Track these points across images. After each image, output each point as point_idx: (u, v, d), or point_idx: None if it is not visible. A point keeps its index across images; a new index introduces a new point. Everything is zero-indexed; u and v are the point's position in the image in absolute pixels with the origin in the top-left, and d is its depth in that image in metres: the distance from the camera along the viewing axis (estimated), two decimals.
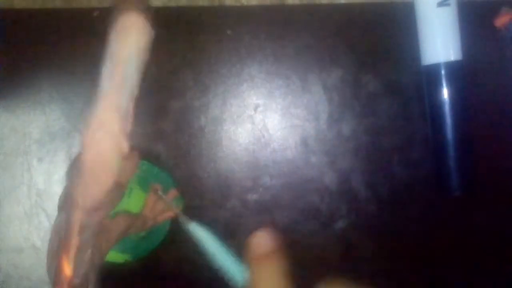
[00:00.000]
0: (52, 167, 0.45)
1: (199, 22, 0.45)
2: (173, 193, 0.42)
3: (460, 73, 0.43)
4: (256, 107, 0.45)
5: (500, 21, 0.45)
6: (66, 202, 0.30)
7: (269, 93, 0.45)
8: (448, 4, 0.43)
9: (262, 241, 0.25)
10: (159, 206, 0.41)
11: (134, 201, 0.41)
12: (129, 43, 0.24)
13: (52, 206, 0.45)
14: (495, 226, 0.46)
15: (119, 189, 0.30)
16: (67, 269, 0.28)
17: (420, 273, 0.46)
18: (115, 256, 0.42)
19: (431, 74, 0.44)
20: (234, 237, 0.44)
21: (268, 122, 0.46)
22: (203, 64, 0.45)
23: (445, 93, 0.43)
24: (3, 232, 0.44)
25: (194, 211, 0.45)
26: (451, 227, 0.46)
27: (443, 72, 0.43)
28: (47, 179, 0.45)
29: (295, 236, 0.45)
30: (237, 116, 0.45)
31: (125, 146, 0.26)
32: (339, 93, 0.45)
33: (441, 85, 0.43)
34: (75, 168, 0.29)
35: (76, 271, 0.29)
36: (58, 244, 0.29)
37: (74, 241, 0.28)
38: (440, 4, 0.42)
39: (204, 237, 0.37)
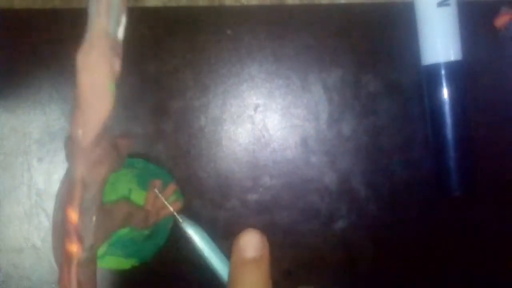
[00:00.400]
0: (52, 167, 0.45)
1: (199, 22, 0.45)
2: (171, 187, 0.42)
3: (460, 73, 0.43)
4: (256, 107, 0.46)
5: (500, 21, 0.45)
6: (68, 153, 0.29)
7: (269, 93, 0.45)
8: (448, 4, 0.43)
9: (250, 243, 0.24)
10: (160, 201, 0.41)
11: (135, 200, 0.41)
12: None
13: (52, 206, 0.45)
14: (495, 226, 0.46)
15: (119, 156, 0.30)
16: (73, 215, 0.28)
17: (420, 273, 0.46)
18: (121, 263, 0.42)
19: (431, 74, 0.44)
20: (234, 237, 0.44)
21: (268, 122, 0.46)
22: (203, 64, 0.45)
23: (445, 93, 0.43)
24: (3, 232, 0.44)
25: (194, 211, 0.45)
26: (451, 227, 0.46)
27: (443, 72, 0.43)
28: (47, 179, 0.45)
29: (295, 236, 0.45)
30: (237, 116, 0.45)
31: (117, 65, 0.26)
32: (339, 93, 0.46)
33: (441, 85, 0.43)
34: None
35: (83, 238, 0.28)
36: (62, 206, 0.29)
37: (77, 191, 0.28)
38: (440, 4, 0.42)
39: (199, 237, 0.37)
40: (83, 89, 0.26)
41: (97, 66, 0.26)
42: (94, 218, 0.29)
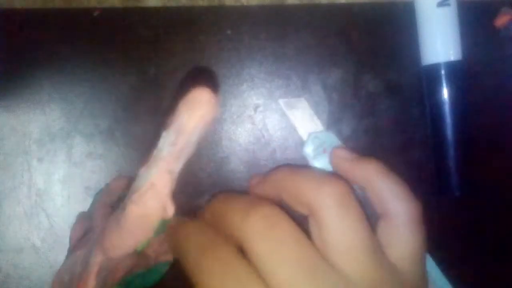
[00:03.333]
0: (52, 167, 0.45)
1: (199, 22, 0.45)
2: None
3: (460, 73, 0.43)
4: (256, 107, 0.46)
5: (500, 21, 0.45)
6: (89, 240, 0.30)
7: (269, 93, 0.45)
8: (448, 4, 0.43)
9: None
10: (163, 247, 0.41)
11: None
12: (196, 117, 0.26)
13: (52, 206, 0.45)
14: (495, 226, 0.46)
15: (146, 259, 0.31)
16: None
17: None
18: None
19: (431, 74, 0.44)
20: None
21: (268, 122, 0.46)
22: (203, 64, 0.45)
23: (445, 93, 0.43)
24: (3, 232, 0.44)
25: (194, 211, 0.45)
26: (451, 227, 0.46)
27: (443, 72, 0.43)
28: (47, 179, 0.45)
29: None
30: (237, 116, 0.45)
31: (170, 210, 0.27)
32: (339, 93, 0.46)
33: (441, 85, 0.43)
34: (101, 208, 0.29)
35: None
36: (72, 278, 0.29)
37: (91, 282, 0.28)
38: (440, 4, 0.42)
39: None
40: (129, 220, 0.27)
41: (151, 205, 0.26)
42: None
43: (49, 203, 0.45)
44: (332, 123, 0.46)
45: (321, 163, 0.41)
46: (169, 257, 0.40)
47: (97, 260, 0.29)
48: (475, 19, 0.45)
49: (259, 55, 0.45)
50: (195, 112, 0.25)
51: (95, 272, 0.29)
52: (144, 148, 0.45)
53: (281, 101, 0.42)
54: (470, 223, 0.46)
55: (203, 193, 0.45)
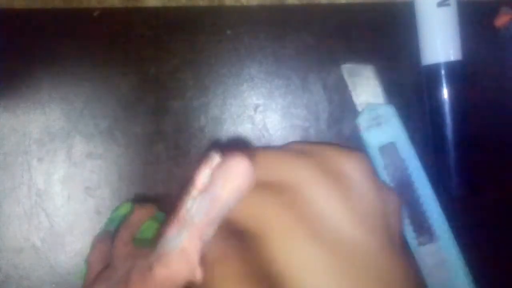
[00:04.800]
0: (52, 167, 0.45)
1: (199, 22, 0.45)
2: None
3: (460, 73, 0.43)
4: (256, 107, 0.46)
5: (500, 21, 0.45)
6: (109, 280, 0.30)
7: (269, 93, 0.45)
8: (448, 4, 0.43)
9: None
10: None
11: None
12: (233, 188, 0.25)
13: (52, 206, 0.45)
14: (495, 226, 0.46)
15: None
16: None
17: None
18: None
19: (431, 74, 0.44)
20: None
21: (268, 122, 0.46)
22: (203, 64, 0.45)
23: (445, 93, 0.43)
24: (3, 232, 0.44)
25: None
26: (451, 227, 0.46)
27: (443, 72, 0.43)
28: (47, 179, 0.45)
29: None
30: (237, 116, 0.45)
31: (198, 276, 0.26)
32: (339, 93, 0.45)
33: (441, 85, 0.43)
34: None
35: None
36: None
37: None
38: (440, 4, 0.43)
39: None
40: (157, 281, 0.27)
41: (180, 270, 0.26)
42: None
43: (49, 203, 0.45)
44: (332, 123, 0.46)
45: (373, 136, 0.40)
46: None
47: None
48: (475, 19, 0.45)
49: (259, 55, 0.45)
50: (231, 182, 0.25)
51: None
52: (144, 148, 0.45)
53: (345, 66, 0.41)
54: (470, 223, 0.46)
55: None
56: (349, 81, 0.42)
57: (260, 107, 0.46)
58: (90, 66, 0.45)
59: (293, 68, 0.45)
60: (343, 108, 0.45)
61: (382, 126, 0.41)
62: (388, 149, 0.41)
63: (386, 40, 0.46)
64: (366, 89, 0.43)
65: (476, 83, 0.45)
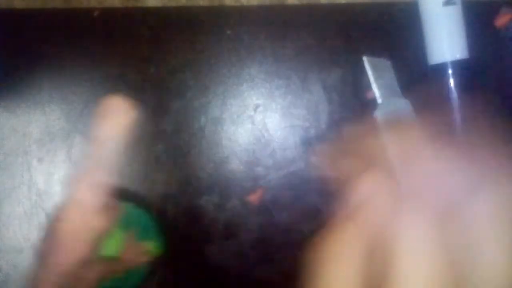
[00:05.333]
0: (52, 167, 0.45)
1: (199, 22, 0.45)
2: (143, 245, 0.41)
3: (467, 71, 0.43)
4: (256, 107, 0.45)
5: (500, 21, 0.45)
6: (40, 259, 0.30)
7: (269, 93, 0.45)
8: (454, 3, 0.42)
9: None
10: (138, 250, 0.40)
11: (114, 243, 0.40)
12: (108, 126, 0.26)
13: (52, 206, 0.45)
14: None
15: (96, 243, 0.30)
16: None
17: None
18: None
19: (438, 73, 0.43)
20: (234, 237, 0.44)
21: (268, 122, 0.46)
22: (203, 64, 0.45)
23: (452, 91, 0.43)
24: (3, 232, 0.44)
25: (194, 211, 0.45)
26: None
27: (450, 71, 0.43)
28: (47, 179, 0.45)
29: (295, 236, 0.45)
30: (237, 116, 0.45)
31: (98, 223, 0.27)
32: (339, 93, 0.45)
33: (448, 84, 0.43)
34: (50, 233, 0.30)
35: None
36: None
37: None
38: (446, 3, 0.42)
39: None
40: (61, 236, 0.27)
41: (78, 220, 0.27)
42: None
43: (49, 203, 0.45)
44: (332, 123, 0.45)
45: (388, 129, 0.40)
46: (145, 259, 0.40)
47: (48, 276, 0.28)
48: (479, 18, 0.45)
49: (259, 55, 0.45)
50: (107, 121, 0.25)
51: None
52: (144, 148, 0.45)
53: (366, 58, 0.41)
54: None
55: (203, 193, 0.45)
56: (370, 73, 0.42)
57: (260, 107, 0.46)
58: (90, 66, 0.45)
59: (293, 68, 0.45)
60: (343, 108, 0.45)
61: (399, 119, 0.41)
62: None
63: (386, 39, 0.45)
64: (385, 82, 0.43)
65: (478, 81, 0.45)
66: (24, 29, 0.45)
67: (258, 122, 0.45)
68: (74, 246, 0.27)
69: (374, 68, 0.42)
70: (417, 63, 0.45)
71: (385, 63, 0.43)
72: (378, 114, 0.42)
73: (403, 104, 0.42)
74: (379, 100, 0.43)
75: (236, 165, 0.45)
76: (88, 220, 0.27)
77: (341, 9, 0.45)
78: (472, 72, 0.44)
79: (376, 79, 0.43)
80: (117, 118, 0.25)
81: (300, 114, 0.46)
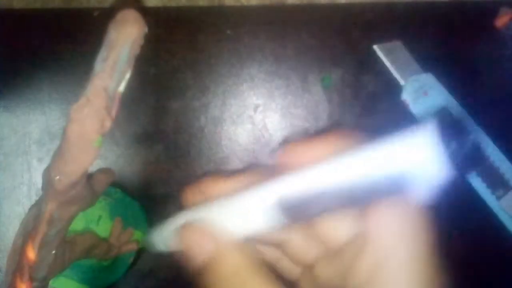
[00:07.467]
0: None
1: (199, 22, 0.45)
2: (129, 231, 0.41)
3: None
4: (256, 107, 0.46)
5: (500, 21, 0.45)
6: (43, 186, 0.30)
7: (269, 93, 0.45)
8: None
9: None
10: (124, 237, 0.41)
11: (102, 228, 0.41)
12: (124, 33, 0.28)
13: None
14: (495, 226, 0.46)
15: (93, 195, 0.31)
16: (31, 253, 0.28)
17: None
18: (74, 287, 0.41)
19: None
20: None
21: (268, 122, 0.46)
22: (203, 64, 0.45)
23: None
24: (3, 232, 0.44)
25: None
26: (451, 227, 0.46)
27: None
28: None
29: None
30: (237, 116, 0.45)
31: (107, 124, 0.27)
32: (339, 93, 0.45)
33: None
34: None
35: (38, 269, 0.29)
36: (25, 235, 0.29)
37: (42, 228, 0.28)
38: None
39: None
40: (69, 139, 0.27)
41: (88, 121, 0.27)
42: (53, 252, 0.30)
43: None
44: (332, 123, 0.46)
45: (422, 106, 0.40)
46: (132, 247, 0.40)
47: (48, 207, 0.28)
48: (475, 19, 0.45)
49: (259, 55, 0.45)
50: (123, 29, 0.28)
51: (46, 219, 0.28)
52: (144, 148, 0.45)
53: (376, 47, 0.41)
54: (471, 224, 0.46)
55: None
56: (386, 59, 0.42)
57: (260, 107, 0.46)
58: (90, 66, 0.45)
59: (293, 68, 0.45)
60: (343, 108, 0.45)
61: (429, 94, 0.40)
62: (442, 114, 0.40)
63: (386, 39, 0.46)
64: (402, 63, 0.42)
65: (477, 82, 0.45)
66: (24, 29, 0.45)
67: (258, 122, 0.46)
68: (81, 152, 0.27)
69: (387, 53, 0.42)
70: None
71: (397, 45, 0.42)
72: (406, 97, 0.41)
73: (427, 79, 0.41)
74: (402, 82, 0.42)
75: (236, 165, 0.45)
76: (97, 119, 0.27)
77: (341, 9, 0.45)
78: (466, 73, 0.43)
79: (392, 63, 0.42)
80: (133, 27, 0.28)
81: (300, 114, 0.46)
